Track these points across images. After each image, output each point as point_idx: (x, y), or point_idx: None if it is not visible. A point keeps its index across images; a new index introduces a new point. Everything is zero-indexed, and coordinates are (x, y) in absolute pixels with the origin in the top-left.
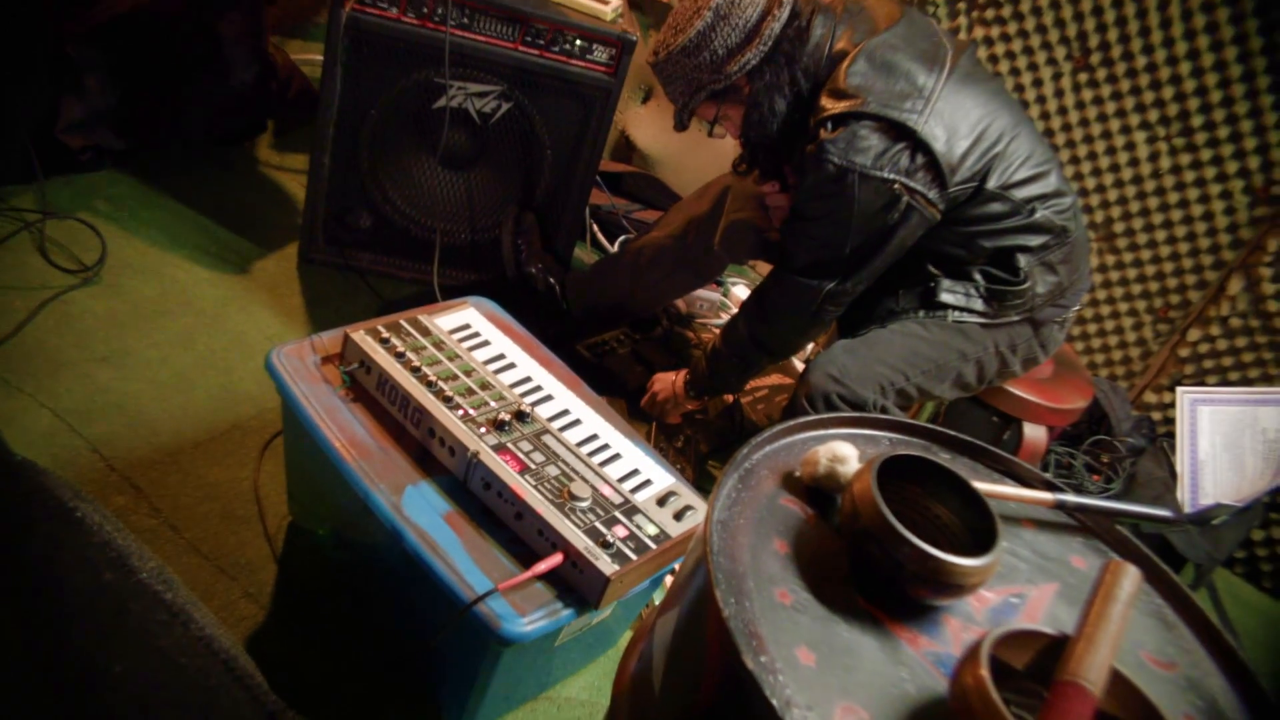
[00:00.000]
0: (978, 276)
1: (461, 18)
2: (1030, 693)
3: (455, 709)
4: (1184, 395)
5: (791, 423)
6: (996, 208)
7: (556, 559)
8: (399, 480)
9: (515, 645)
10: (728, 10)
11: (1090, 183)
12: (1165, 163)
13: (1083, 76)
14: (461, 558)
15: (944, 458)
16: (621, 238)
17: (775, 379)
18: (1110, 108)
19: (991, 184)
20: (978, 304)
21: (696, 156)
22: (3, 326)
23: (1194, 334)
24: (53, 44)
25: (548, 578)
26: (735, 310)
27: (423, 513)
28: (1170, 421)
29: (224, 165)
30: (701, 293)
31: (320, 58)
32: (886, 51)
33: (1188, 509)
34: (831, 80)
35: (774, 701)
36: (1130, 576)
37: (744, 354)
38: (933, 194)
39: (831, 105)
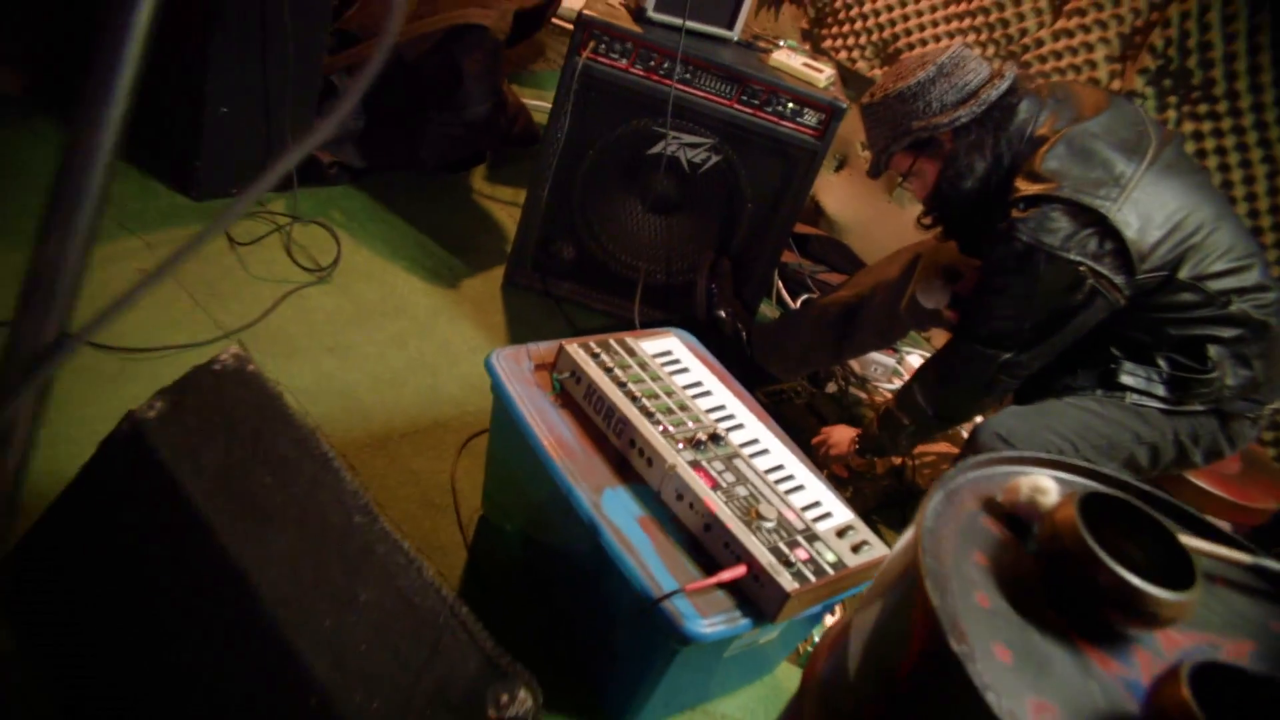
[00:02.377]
0: (1162, 362)
1: (685, 73)
2: None
3: (619, 704)
4: None
5: (995, 455)
6: (1187, 297)
7: (740, 570)
8: (599, 482)
9: (692, 645)
10: (952, 69)
11: None
12: None
13: None
14: (652, 558)
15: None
16: (804, 296)
17: (944, 447)
18: None
19: (1184, 274)
20: (1159, 389)
21: (883, 227)
22: (253, 310)
23: None
24: (324, 74)
25: (729, 588)
26: (908, 376)
27: (619, 513)
28: None
29: (443, 191)
30: (877, 356)
31: (536, 103)
32: (1087, 139)
33: None
34: (1029, 164)
35: (976, 683)
36: None
37: (916, 417)
38: (1119, 279)
39: (1026, 187)
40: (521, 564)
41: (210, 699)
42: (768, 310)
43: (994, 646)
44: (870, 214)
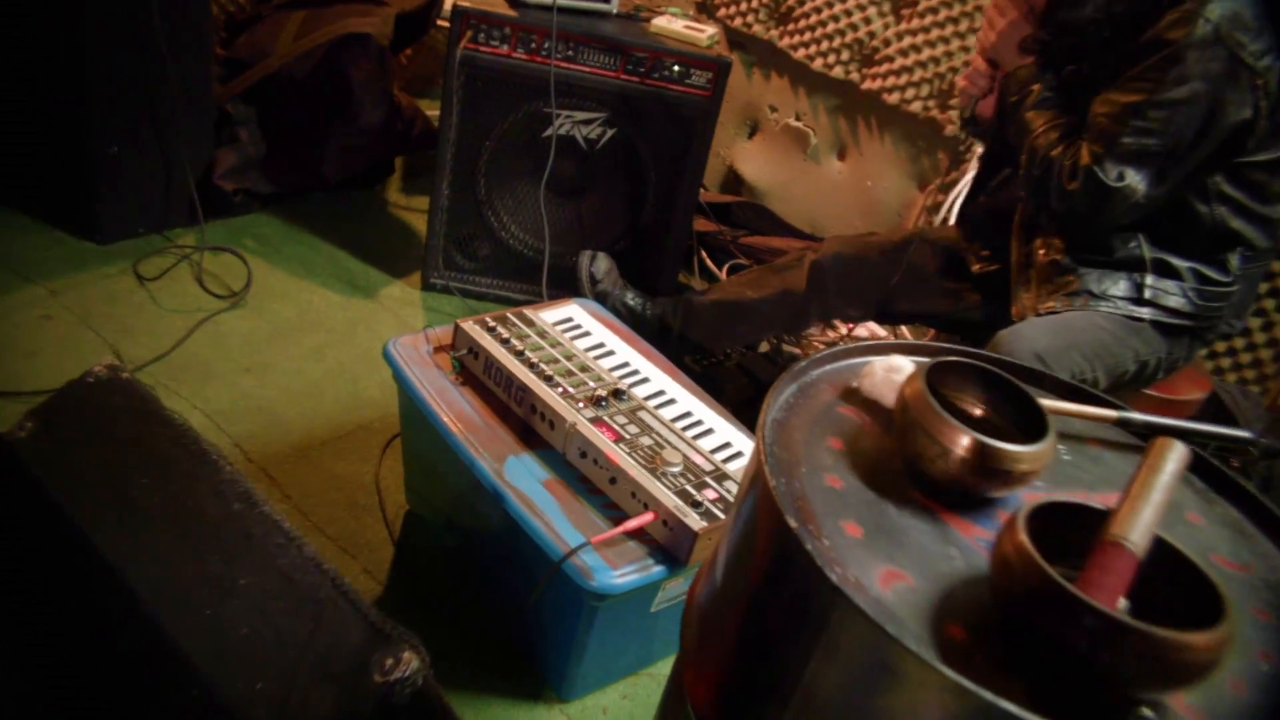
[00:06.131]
0: (1187, 274)
1: (566, 50)
2: (1077, 567)
3: (557, 675)
4: None
5: (849, 346)
6: (1258, 176)
7: (648, 517)
8: (502, 451)
9: (609, 599)
10: None
11: None
12: None
13: None
14: (558, 518)
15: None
16: (730, 263)
17: None
18: None
19: None
20: (1183, 305)
21: (802, 185)
22: (165, 342)
23: None
24: (216, 104)
25: (641, 539)
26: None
27: (523, 479)
28: None
29: (356, 207)
30: None
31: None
32: None
33: None
34: None
35: (817, 561)
36: (1176, 451)
37: (1032, 148)
38: (1264, 104)
39: None
40: (449, 550)
41: (95, 707)
42: (693, 282)
43: (843, 524)
44: (788, 175)
